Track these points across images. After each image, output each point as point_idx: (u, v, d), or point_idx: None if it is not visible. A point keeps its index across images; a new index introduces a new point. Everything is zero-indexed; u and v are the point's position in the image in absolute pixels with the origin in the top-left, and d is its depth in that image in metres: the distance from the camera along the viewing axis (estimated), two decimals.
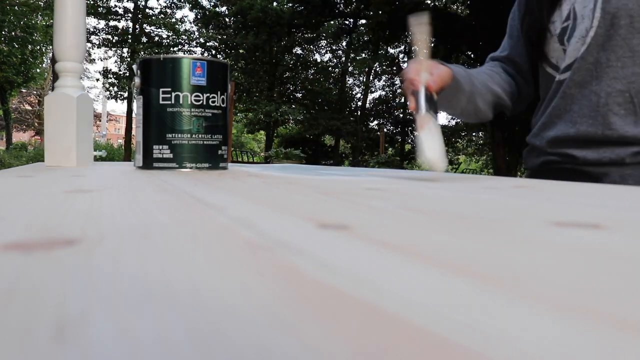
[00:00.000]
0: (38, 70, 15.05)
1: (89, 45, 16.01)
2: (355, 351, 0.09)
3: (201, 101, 0.74)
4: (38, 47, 14.18)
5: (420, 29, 0.76)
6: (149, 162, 0.74)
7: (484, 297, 0.12)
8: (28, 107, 21.42)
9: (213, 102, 0.75)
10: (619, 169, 0.79)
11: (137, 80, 0.76)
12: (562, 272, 0.15)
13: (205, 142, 0.75)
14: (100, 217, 0.24)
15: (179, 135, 0.73)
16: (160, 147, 0.74)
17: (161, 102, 0.74)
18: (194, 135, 0.74)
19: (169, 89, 0.74)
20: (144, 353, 0.08)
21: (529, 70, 0.98)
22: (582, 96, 0.82)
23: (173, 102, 0.73)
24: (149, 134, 0.75)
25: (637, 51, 0.77)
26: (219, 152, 0.77)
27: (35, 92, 20.65)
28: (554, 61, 0.90)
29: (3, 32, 12.28)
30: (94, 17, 15.81)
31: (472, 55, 12.11)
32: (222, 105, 0.77)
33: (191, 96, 0.74)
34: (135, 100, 0.79)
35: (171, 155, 0.73)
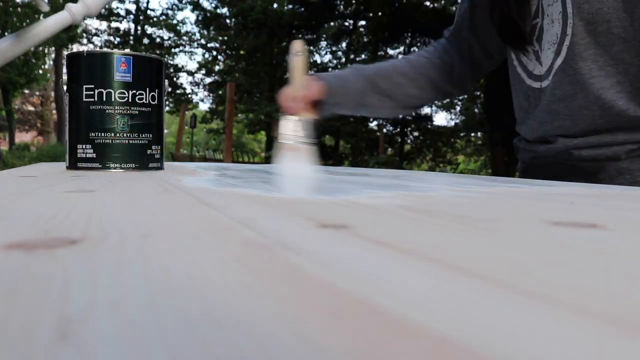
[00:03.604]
0: (40, 72, 15.05)
1: (91, 46, 16.01)
2: (353, 349, 0.09)
3: (126, 98, 0.71)
4: (40, 49, 14.17)
5: (298, 57, 0.81)
6: (73, 162, 0.71)
7: (483, 296, 0.12)
8: (31, 108, 21.44)
9: (140, 99, 0.72)
10: (615, 163, 0.76)
11: (64, 77, 0.74)
12: (560, 271, 0.15)
13: (131, 142, 0.71)
14: (102, 216, 0.24)
15: (102, 134, 0.70)
16: (84, 146, 0.70)
17: (84, 99, 0.70)
18: (118, 135, 0.70)
19: (92, 86, 0.70)
20: (147, 352, 0.08)
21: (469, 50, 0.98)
22: (571, 112, 0.77)
23: (96, 99, 0.70)
24: (73, 133, 0.72)
25: (619, 59, 0.72)
26: (149, 151, 0.73)
27: (37, 93, 20.67)
28: (524, 62, 0.85)
29: (6, 33, 12.27)
30: (96, 19, 15.82)
31: None
32: (153, 103, 0.73)
33: (115, 93, 0.70)
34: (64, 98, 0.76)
35: (94, 155, 0.70)
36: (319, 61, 17.73)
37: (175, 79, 16.80)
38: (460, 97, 16.37)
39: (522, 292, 0.12)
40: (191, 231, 0.21)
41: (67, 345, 0.09)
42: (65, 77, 0.74)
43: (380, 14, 12.06)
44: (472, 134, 16.71)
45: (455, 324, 0.10)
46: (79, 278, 0.13)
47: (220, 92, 15.72)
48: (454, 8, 13.03)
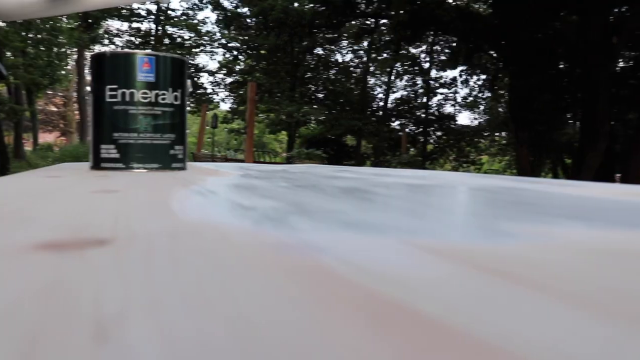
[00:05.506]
0: (63, 72, 15.25)
1: (113, 47, 16.18)
2: (392, 353, 0.09)
3: (149, 98, 0.71)
4: (63, 50, 14.34)
5: None
6: (97, 163, 0.71)
7: (520, 299, 0.12)
8: (54, 109, 21.73)
9: (163, 99, 0.72)
10: None
11: (88, 78, 0.74)
12: (595, 274, 0.15)
13: (154, 142, 0.71)
14: (128, 217, 0.24)
15: (126, 135, 0.70)
16: (107, 146, 0.71)
17: (108, 99, 0.71)
18: (141, 135, 0.70)
19: (116, 86, 0.70)
20: (186, 351, 0.08)
21: None
22: None
23: (120, 99, 0.70)
24: (97, 133, 0.72)
25: None
26: (171, 152, 0.73)
27: (60, 94, 20.94)
28: None
29: (30, 35, 12.45)
30: (118, 20, 16.00)
31: (495, 55, 12.02)
32: (176, 103, 0.73)
33: (138, 93, 0.71)
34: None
35: (118, 155, 0.70)
36: (340, 60, 17.73)
37: (196, 79, 16.93)
38: (484, 96, 16.27)
39: (557, 295, 0.12)
40: (219, 231, 0.21)
41: (106, 346, 0.09)
42: (89, 77, 0.74)
43: (401, 12, 12.00)
44: (496, 134, 16.58)
45: (495, 328, 0.10)
46: (111, 280, 0.13)
47: (241, 92, 15.79)
48: (477, 5, 12.94)
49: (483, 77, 15.53)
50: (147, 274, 0.14)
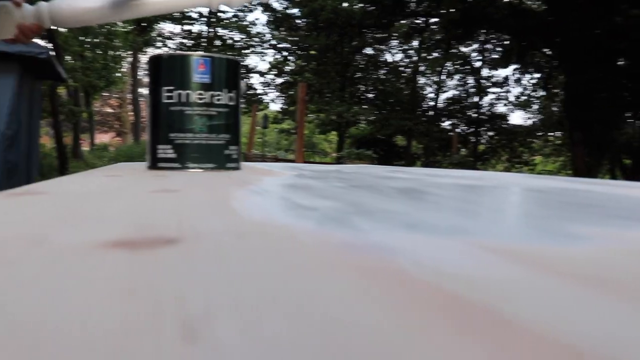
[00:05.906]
0: (118, 75, 15.64)
1: (166, 49, 16.51)
2: (485, 358, 0.09)
3: (205, 99, 0.72)
4: (118, 53, 14.71)
5: None
6: (154, 162, 0.73)
7: (601, 302, 0.12)
8: (109, 110, 22.34)
9: (219, 100, 0.73)
10: None
11: (145, 79, 0.76)
12: None
13: (209, 142, 0.72)
14: (191, 216, 0.25)
15: (182, 135, 0.71)
16: (164, 147, 0.72)
17: (164, 100, 0.72)
18: (197, 135, 0.71)
19: (172, 87, 0.72)
20: (276, 350, 0.08)
21: None
22: None
23: (176, 100, 0.71)
24: (154, 134, 0.73)
25: None
26: (226, 152, 0.74)
27: (115, 96, 21.50)
28: None
29: (87, 39, 12.79)
30: (171, 22, 16.32)
31: (549, 53, 11.74)
32: (230, 103, 0.74)
33: (194, 94, 0.71)
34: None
35: (174, 155, 0.71)
36: (390, 60, 17.64)
37: (247, 80, 17.12)
38: (538, 95, 15.93)
39: (630, 296, 0.12)
40: (285, 231, 0.21)
41: (197, 345, 0.09)
42: (146, 79, 0.76)
43: (452, 10, 11.86)
44: (550, 134, 16.18)
45: (587, 335, 0.10)
46: (188, 278, 0.13)
47: (291, 93, 15.89)
48: (530, 2, 12.66)
49: (536, 75, 15.20)
50: (223, 273, 0.14)
